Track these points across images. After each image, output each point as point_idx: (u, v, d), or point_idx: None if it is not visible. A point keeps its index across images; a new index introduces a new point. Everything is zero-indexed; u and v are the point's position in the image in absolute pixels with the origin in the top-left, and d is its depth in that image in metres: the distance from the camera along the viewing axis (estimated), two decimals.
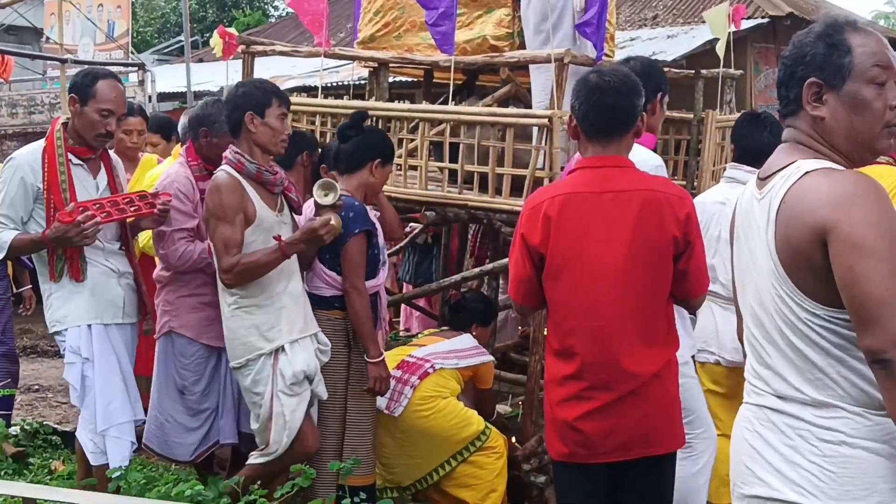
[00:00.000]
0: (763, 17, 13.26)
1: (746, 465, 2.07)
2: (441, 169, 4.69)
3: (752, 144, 3.96)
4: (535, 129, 4.39)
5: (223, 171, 3.74)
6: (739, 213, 2.18)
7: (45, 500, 3.33)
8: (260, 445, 3.85)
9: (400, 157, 4.78)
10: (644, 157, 3.29)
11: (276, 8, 29.86)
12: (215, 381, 4.26)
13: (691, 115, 5.20)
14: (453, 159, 4.58)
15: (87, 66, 4.63)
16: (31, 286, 5.14)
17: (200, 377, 4.22)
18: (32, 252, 4.00)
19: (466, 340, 4.46)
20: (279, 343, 3.74)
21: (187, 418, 4.24)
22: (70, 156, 3.92)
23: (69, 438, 5.32)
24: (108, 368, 3.95)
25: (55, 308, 3.96)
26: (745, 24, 9.75)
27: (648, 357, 2.84)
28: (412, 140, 4.74)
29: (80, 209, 3.78)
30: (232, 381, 4.18)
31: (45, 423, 5.48)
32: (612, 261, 2.83)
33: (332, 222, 3.69)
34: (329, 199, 3.73)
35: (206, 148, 4.23)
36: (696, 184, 4.94)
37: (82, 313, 3.93)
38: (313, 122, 5.21)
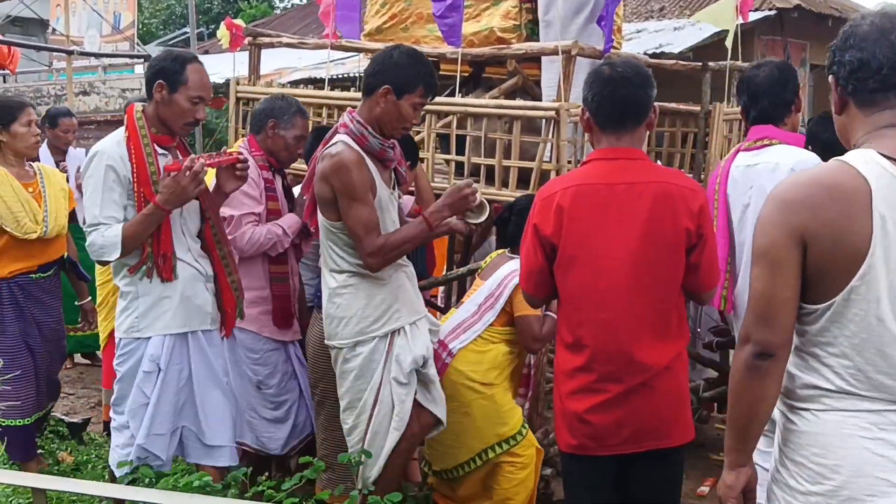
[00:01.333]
0: (770, 9, 13.22)
1: (877, 476, 1.98)
2: (448, 161, 4.68)
3: (830, 140, 3.92)
4: (542, 122, 4.38)
5: (342, 144, 3.44)
6: (887, 203, 1.96)
7: (54, 490, 3.34)
8: (350, 437, 3.66)
9: None
10: (802, 158, 3.35)
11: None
12: (288, 373, 4.23)
13: (699, 108, 5.19)
14: (460, 151, 4.57)
15: (169, 49, 4.41)
16: (90, 298, 4.87)
17: (274, 370, 4.19)
18: (146, 237, 3.60)
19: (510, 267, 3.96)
20: (397, 325, 3.54)
21: (270, 412, 4.21)
22: (155, 145, 3.66)
23: (76, 429, 5.34)
24: (174, 381, 3.68)
25: (139, 312, 3.65)
26: (753, 16, 9.72)
27: (659, 349, 2.84)
28: (419, 132, 4.74)
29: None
30: (304, 373, 4.15)
31: (52, 413, 5.48)
32: (623, 252, 2.82)
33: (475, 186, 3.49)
34: (480, 219, 3.55)
35: (271, 140, 4.20)
36: (703, 176, 4.93)
37: (170, 322, 3.65)
38: (320, 115, 5.21)
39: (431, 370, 3.68)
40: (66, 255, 4.64)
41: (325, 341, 3.66)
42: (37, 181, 4.60)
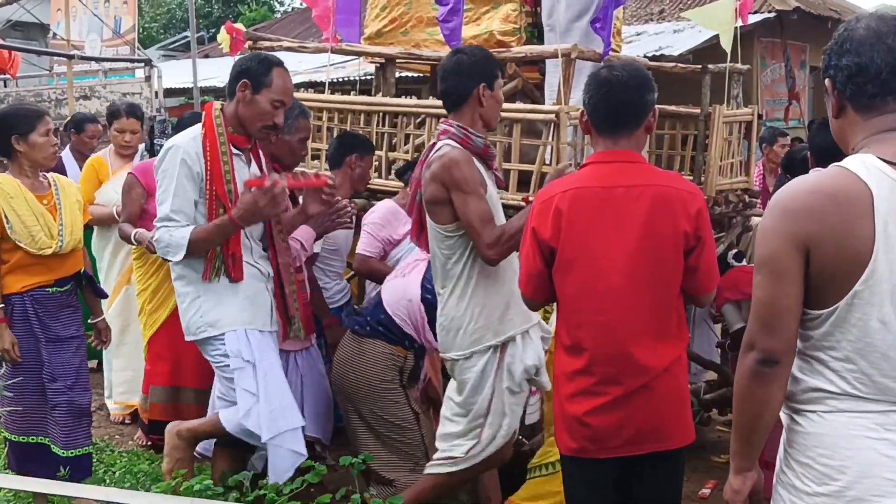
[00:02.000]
0: (770, 12, 13.23)
1: (884, 477, 1.97)
2: None
3: (829, 145, 3.90)
4: (542, 124, 4.38)
5: (449, 146, 3.41)
6: (889, 207, 1.96)
7: (55, 495, 3.34)
8: (448, 451, 3.61)
9: (407, 152, 4.79)
10: None
11: (281, 3, 29.88)
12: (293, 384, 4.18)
13: (698, 110, 5.19)
14: None
15: (257, 52, 4.11)
16: (104, 317, 4.67)
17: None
18: (214, 245, 3.60)
19: None
20: (511, 334, 3.49)
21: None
22: (231, 145, 3.64)
23: None
24: (274, 373, 3.68)
25: (205, 311, 3.64)
26: (752, 19, 9.73)
27: (659, 351, 2.84)
28: (419, 136, 4.74)
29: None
30: (313, 381, 4.17)
31: None
32: (622, 255, 2.83)
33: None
34: None
35: (276, 146, 4.15)
36: (703, 179, 4.93)
37: (238, 317, 3.64)
38: (320, 118, 5.21)
39: (544, 377, 3.63)
40: (83, 270, 4.47)
41: (441, 354, 3.63)
42: (51, 193, 4.39)
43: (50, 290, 4.30)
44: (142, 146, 5.99)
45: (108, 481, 4.45)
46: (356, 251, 4.64)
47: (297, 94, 5.75)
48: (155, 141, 7.41)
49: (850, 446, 2.00)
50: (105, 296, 4.68)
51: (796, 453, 2.10)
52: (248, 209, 3.52)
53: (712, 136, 5.04)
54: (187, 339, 3.76)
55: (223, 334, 3.62)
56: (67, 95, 8.82)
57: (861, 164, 1.98)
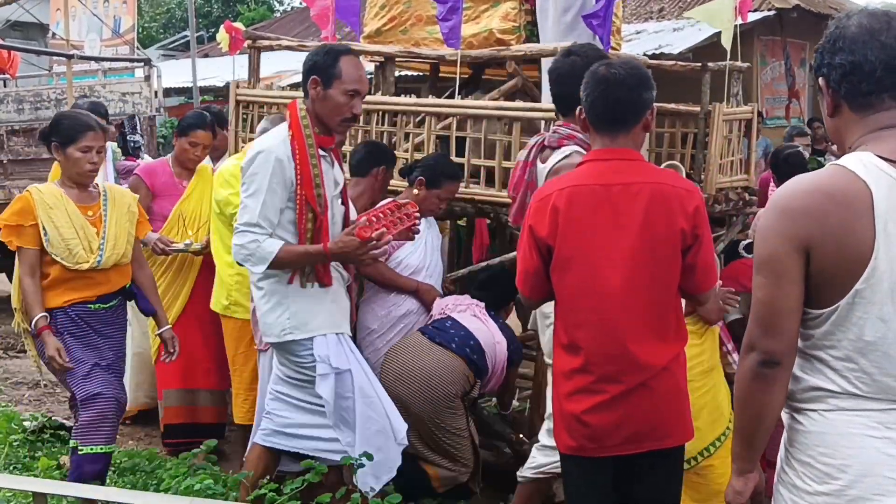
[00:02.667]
0: (770, 10, 13.22)
1: (885, 475, 1.97)
2: None
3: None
4: (541, 123, 4.38)
5: (578, 154, 3.31)
6: (888, 205, 1.96)
7: (55, 495, 3.34)
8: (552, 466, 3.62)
9: (406, 151, 4.78)
10: None
11: (281, 2, 29.87)
12: None
13: (698, 109, 5.18)
14: (460, 153, 4.57)
15: (322, 45, 3.91)
16: (169, 326, 4.42)
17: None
18: (293, 267, 3.55)
19: None
20: None
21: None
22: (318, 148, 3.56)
23: None
24: (367, 380, 3.66)
25: (292, 314, 3.56)
26: (752, 17, 9.72)
27: (657, 350, 2.84)
28: (419, 134, 4.73)
29: (371, 225, 3.51)
30: None
31: (53, 418, 5.49)
32: (619, 253, 2.82)
33: None
34: None
35: None
36: (703, 177, 4.92)
37: (327, 321, 3.60)
38: None
39: None
40: (129, 285, 4.24)
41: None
42: (98, 203, 4.12)
43: (92, 306, 4.08)
44: (112, 144, 5.87)
45: (108, 481, 4.44)
46: None
47: (296, 94, 5.75)
48: (128, 138, 7.34)
49: (850, 445, 2.00)
50: (151, 312, 4.40)
51: (797, 452, 2.10)
52: (345, 251, 3.49)
53: (712, 135, 5.03)
54: (266, 340, 3.70)
55: (311, 338, 3.57)
56: (67, 95, 8.81)
57: (859, 163, 1.97)
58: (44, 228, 3.95)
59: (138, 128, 7.93)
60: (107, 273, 4.10)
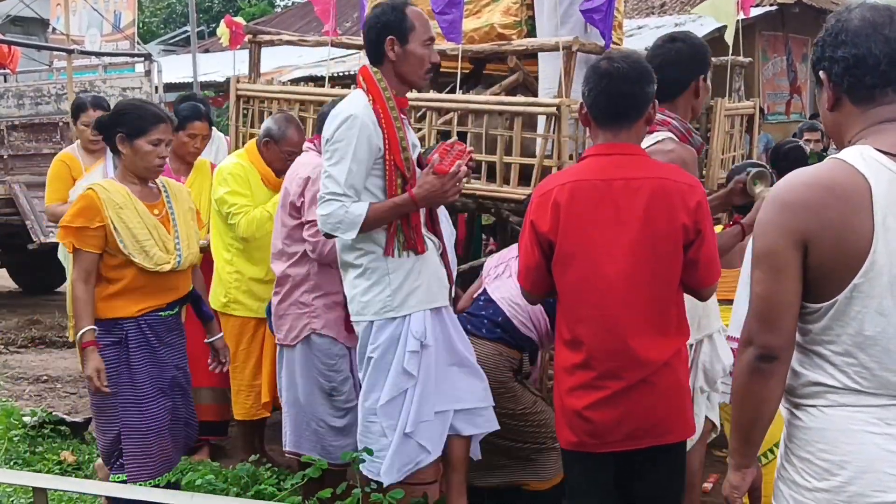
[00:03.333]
0: (772, 5, 13.20)
1: (885, 472, 1.96)
2: None
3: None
4: (542, 118, 4.37)
5: (672, 141, 3.23)
6: (888, 199, 1.95)
7: (56, 490, 3.34)
8: None
9: None
10: None
11: None
12: (353, 379, 4.10)
13: None
14: None
15: (384, 3, 3.57)
16: (221, 334, 4.17)
17: (346, 376, 4.09)
18: (384, 223, 3.38)
19: None
20: (709, 331, 3.42)
21: (338, 420, 4.10)
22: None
23: (78, 428, 5.34)
24: (437, 358, 3.50)
25: (394, 290, 3.41)
26: (754, 12, 9.70)
27: (658, 345, 2.83)
28: (419, 129, 4.72)
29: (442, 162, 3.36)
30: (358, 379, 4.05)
31: (53, 413, 5.49)
32: (620, 249, 2.81)
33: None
34: (762, 191, 3.45)
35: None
36: (705, 172, 4.92)
37: (424, 295, 3.45)
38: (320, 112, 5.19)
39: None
40: (193, 289, 3.99)
41: None
42: (162, 200, 3.84)
43: (163, 313, 3.80)
44: None
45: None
46: None
47: (296, 88, 5.74)
48: None
49: (850, 441, 1.99)
50: (211, 318, 4.11)
51: (796, 448, 2.09)
52: (431, 192, 3.35)
53: (714, 130, 5.03)
54: (364, 318, 3.47)
55: (408, 315, 3.43)
56: (67, 90, 8.80)
57: (859, 156, 1.96)
58: (115, 229, 3.63)
59: None
60: (178, 276, 3.84)
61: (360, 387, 3.82)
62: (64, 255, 5.66)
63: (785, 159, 5.71)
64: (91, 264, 3.66)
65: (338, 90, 5.47)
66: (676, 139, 3.24)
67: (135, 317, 3.70)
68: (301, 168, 4.12)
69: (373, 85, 3.39)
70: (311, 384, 4.07)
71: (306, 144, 4.34)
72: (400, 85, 3.47)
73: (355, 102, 3.40)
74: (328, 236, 3.49)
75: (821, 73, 2.09)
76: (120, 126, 3.71)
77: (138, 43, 13.16)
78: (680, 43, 3.32)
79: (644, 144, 3.27)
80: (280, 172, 4.46)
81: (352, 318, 3.54)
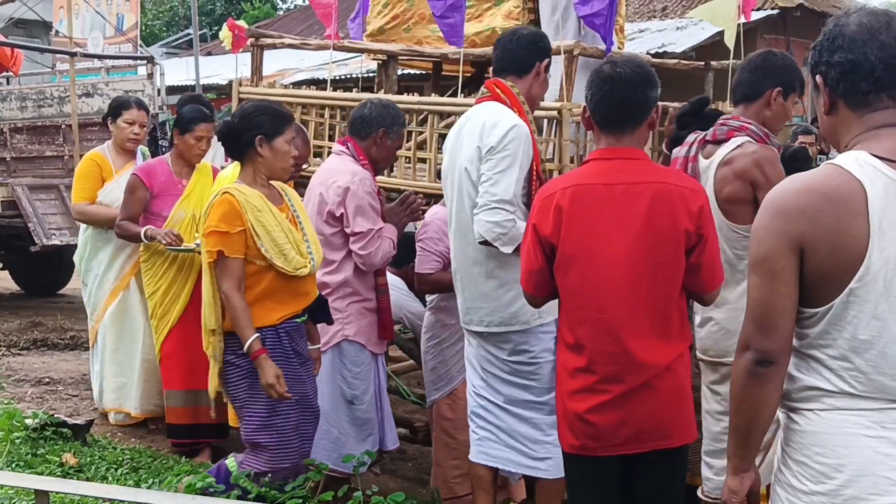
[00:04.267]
0: (773, 9, 13.20)
1: (881, 475, 1.96)
2: None
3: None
4: (544, 122, 4.37)
5: (751, 143, 3.31)
6: (883, 204, 1.94)
7: (58, 493, 3.35)
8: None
9: (409, 149, 4.77)
10: None
11: (284, 0, 29.87)
12: (376, 388, 4.11)
13: None
14: None
15: (524, 30, 3.80)
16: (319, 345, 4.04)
17: (369, 385, 4.10)
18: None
19: None
20: None
21: (357, 429, 4.10)
22: None
23: (79, 431, 5.34)
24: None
25: None
26: (755, 16, 9.70)
27: (660, 349, 2.83)
28: (421, 132, 4.73)
29: None
30: (384, 386, 4.07)
31: (55, 415, 5.48)
32: (622, 252, 2.82)
33: None
34: None
35: (377, 148, 4.10)
36: None
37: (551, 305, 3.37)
38: (322, 115, 5.20)
39: None
40: (320, 293, 3.90)
41: (712, 358, 3.51)
42: (286, 204, 3.79)
43: (298, 319, 3.73)
44: (142, 147, 5.86)
45: (110, 479, 4.45)
46: (415, 270, 4.37)
47: (298, 92, 5.75)
48: (160, 142, 7.31)
49: (846, 445, 1.99)
50: (332, 322, 4.00)
51: (793, 452, 2.09)
52: None
53: None
54: (518, 328, 3.52)
55: (552, 321, 3.42)
56: (70, 93, 8.82)
57: (854, 162, 1.96)
58: (255, 233, 3.56)
59: (167, 130, 7.89)
60: (309, 281, 3.76)
61: (382, 397, 3.92)
62: (79, 258, 5.66)
63: (793, 160, 5.71)
64: (241, 270, 3.58)
65: (340, 93, 5.48)
66: (754, 143, 3.31)
67: (275, 325, 3.62)
68: (338, 176, 4.03)
69: (512, 97, 3.50)
70: (333, 391, 4.06)
71: (338, 147, 4.26)
72: (531, 102, 3.63)
73: (505, 113, 3.48)
74: (484, 243, 3.45)
75: (817, 77, 2.10)
76: (256, 129, 3.61)
77: (141, 46, 13.18)
78: (771, 54, 3.51)
79: (721, 153, 3.31)
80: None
81: (496, 328, 3.54)
